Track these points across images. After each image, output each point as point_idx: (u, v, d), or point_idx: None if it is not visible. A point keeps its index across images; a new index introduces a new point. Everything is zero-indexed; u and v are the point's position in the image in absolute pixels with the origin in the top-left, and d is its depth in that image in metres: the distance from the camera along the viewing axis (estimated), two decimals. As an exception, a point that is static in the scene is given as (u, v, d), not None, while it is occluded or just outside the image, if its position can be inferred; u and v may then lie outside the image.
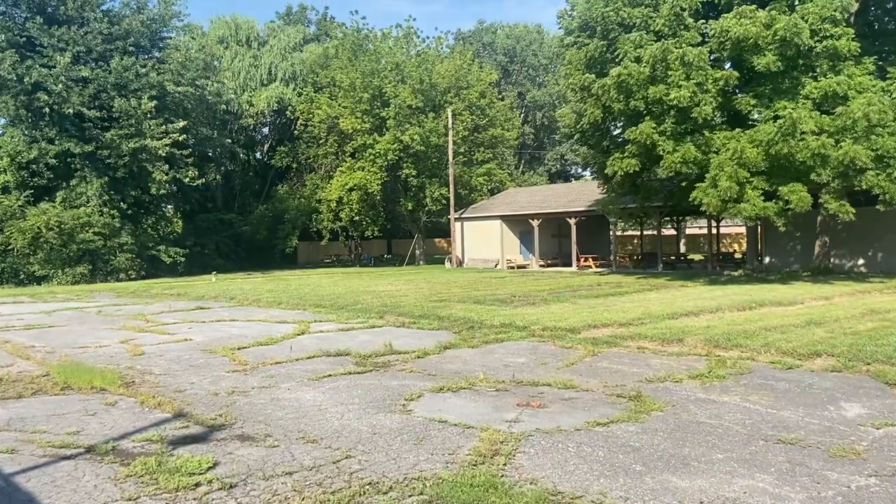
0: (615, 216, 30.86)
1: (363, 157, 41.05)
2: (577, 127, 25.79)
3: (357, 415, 6.98)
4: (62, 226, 29.86)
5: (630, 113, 22.40)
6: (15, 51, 29.79)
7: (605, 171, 23.86)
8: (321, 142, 43.65)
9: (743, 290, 19.37)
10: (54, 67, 30.03)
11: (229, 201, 46.64)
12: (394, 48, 43.85)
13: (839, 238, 26.34)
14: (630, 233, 49.51)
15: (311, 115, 42.76)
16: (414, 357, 10.20)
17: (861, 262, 26.97)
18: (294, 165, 48.02)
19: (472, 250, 40.30)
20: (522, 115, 57.19)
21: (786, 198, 19.72)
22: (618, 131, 26.12)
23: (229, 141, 42.41)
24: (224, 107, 41.94)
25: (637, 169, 22.39)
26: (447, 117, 40.33)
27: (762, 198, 19.95)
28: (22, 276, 30.65)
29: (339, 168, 42.82)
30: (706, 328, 11.97)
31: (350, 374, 9.06)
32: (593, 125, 24.80)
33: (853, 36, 19.76)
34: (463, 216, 40.98)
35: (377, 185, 40.25)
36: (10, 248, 29.90)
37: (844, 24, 19.88)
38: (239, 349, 11.26)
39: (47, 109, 30.34)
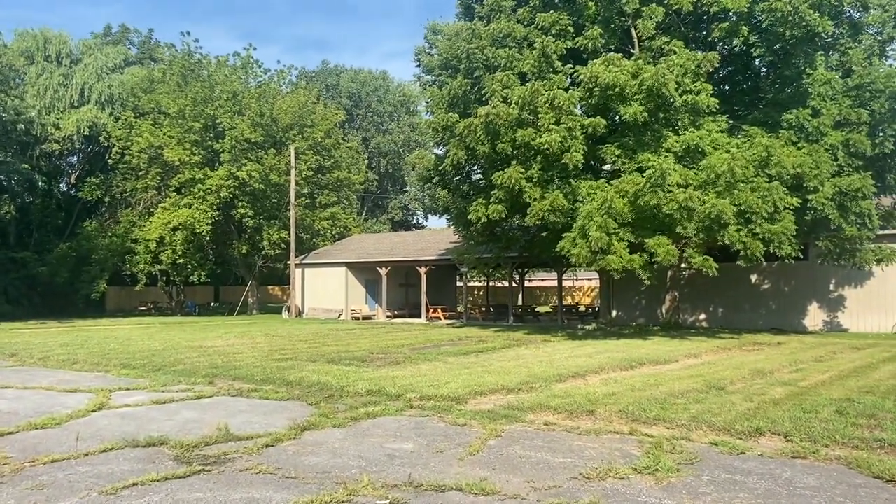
0: (469, 266, 29.46)
1: (191, 193, 36.78)
2: (438, 169, 24.17)
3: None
4: None
5: (496, 157, 21.12)
6: None
7: (468, 217, 22.30)
8: (141, 174, 38.68)
9: (610, 347, 18.34)
10: None
11: (24, 238, 39.68)
12: (231, 76, 40.35)
13: (682, 293, 26.72)
14: (475, 283, 48.80)
15: (129, 143, 37.82)
16: (261, 446, 7.38)
17: (703, 316, 27.55)
18: (107, 199, 42.18)
19: (314, 299, 37.15)
20: (367, 161, 55.39)
21: (651, 250, 19.16)
22: (478, 176, 24.87)
23: (27, 168, 36.11)
24: (23, 127, 35.85)
25: (503, 216, 21.02)
26: (289, 155, 37.38)
27: (627, 250, 19.28)
28: None
29: (162, 204, 38.07)
30: (610, 395, 10.25)
31: (166, 479, 6.11)
32: (455, 167, 23.30)
33: (711, 92, 19.96)
34: (304, 262, 37.81)
35: (206, 224, 36.09)
36: None
37: (703, 80, 20.06)
38: (1, 435, 7.78)
39: None
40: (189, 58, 41.89)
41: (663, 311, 25.96)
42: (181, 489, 5.84)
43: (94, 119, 39.07)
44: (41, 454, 6.98)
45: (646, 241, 19.21)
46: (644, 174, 18.87)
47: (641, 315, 28.52)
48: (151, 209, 39.35)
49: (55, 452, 7.05)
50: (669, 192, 18.44)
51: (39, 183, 39.13)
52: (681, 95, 19.80)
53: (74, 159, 45.15)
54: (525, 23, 22.78)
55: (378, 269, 34.26)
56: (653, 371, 13.46)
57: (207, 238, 37.67)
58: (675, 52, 20.49)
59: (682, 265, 23.54)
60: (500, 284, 45.88)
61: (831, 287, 24.91)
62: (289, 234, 37.60)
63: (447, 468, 6.58)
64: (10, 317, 32.30)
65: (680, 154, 19.87)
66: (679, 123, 20.38)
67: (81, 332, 24.58)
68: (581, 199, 19.89)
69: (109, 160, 39.85)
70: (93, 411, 9.41)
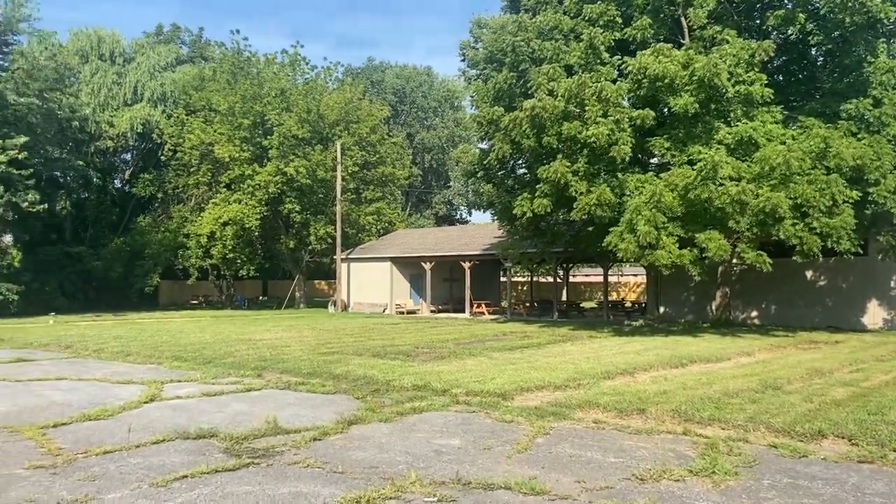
0: (514, 261, 29.22)
1: (240, 189, 37.39)
2: (482, 164, 24.01)
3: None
4: None
5: (541, 150, 20.85)
6: None
7: (513, 212, 22.09)
8: (192, 170, 39.50)
9: (658, 343, 17.94)
10: None
11: (79, 233, 40.93)
12: (279, 74, 40.84)
13: (734, 289, 25.99)
14: (518, 279, 48.47)
15: (181, 140, 38.63)
16: (309, 440, 7.40)
17: (755, 313, 26.76)
18: (159, 195, 43.25)
19: (359, 294, 37.42)
20: (411, 157, 55.53)
21: (702, 245, 18.67)
22: (523, 170, 24.62)
23: (82, 164, 37.20)
24: (78, 125, 36.92)
25: (548, 210, 20.75)
26: (336, 150, 37.67)
27: (677, 245, 18.83)
28: None
29: (213, 200, 38.80)
30: (661, 394, 10.00)
31: (216, 472, 6.16)
32: (500, 162, 23.10)
33: (765, 82, 19.32)
34: (350, 257, 38.10)
35: (255, 220, 36.64)
36: None
37: (757, 70, 19.42)
38: (55, 426, 7.99)
39: None
40: (238, 56, 42.56)
41: (713, 308, 25.31)
42: (230, 482, 5.88)
43: (147, 116, 40.01)
44: (94, 445, 7.12)
45: (696, 235, 18.72)
46: (695, 167, 18.38)
47: (690, 311, 27.87)
48: (202, 205, 40.13)
49: (107, 444, 7.18)
50: (721, 185, 17.93)
51: (94, 179, 40.27)
52: (733, 86, 19.21)
53: (128, 156, 46.35)
54: (572, 14, 22.41)
55: (422, 263, 34.30)
56: (704, 369, 13.11)
57: (256, 233, 38.27)
58: (727, 42, 19.88)
59: (734, 260, 22.91)
60: (544, 279, 45.47)
61: (892, 284, 23.90)
62: (335, 229, 37.92)
63: (495, 466, 6.48)
64: (66, 310, 33.38)
65: (732, 146, 19.28)
66: (731, 115, 19.77)
67: (135, 325, 25.23)
68: (628, 193, 19.48)
69: (162, 157, 40.79)
70: (145, 403, 9.60)
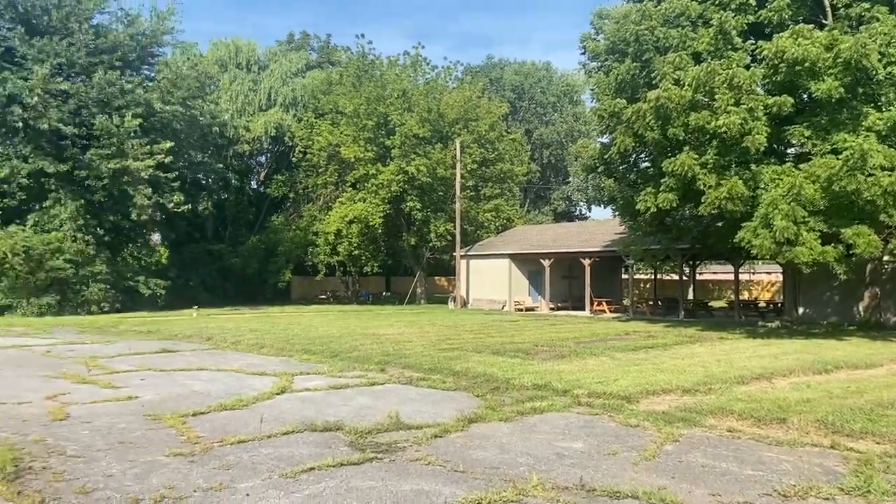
0: (636, 258, 28.23)
1: (365, 188, 38.65)
2: (603, 158, 23.35)
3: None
4: (30, 251, 27.10)
5: (666, 143, 19.98)
6: (-8, 61, 27.45)
7: (636, 207, 21.32)
8: (321, 170, 41.29)
9: (797, 347, 16.69)
10: (30, 80, 27.63)
11: (219, 232, 43.91)
12: (401, 75, 41.78)
13: (884, 289, 23.74)
14: (641, 276, 46.84)
15: (310, 143, 40.46)
16: (430, 437, 7.43)
17: (911, 316, 24.33)
18: (291, 195, 45.57)
19: (478, 290, 37.60)
20: (529, 153, 55.08)
21: (848, 241, 17.17)
22: (646, 164, 23.71)
23: (222, 167, 39.84)
24: (218, 130, 39.54)
25: (674, 205, 19.85)
26: (455, 148, 38.03)
27: (819, 241, 17.41)
28: (-17, 305, 27.81)
29: (339, 199, 40.37)
30: (804, 402, 9.24)
31: (341, 465, 6.30)
32: (622, 155, 22.36)
33: (921, 62, 17.50)
34: (469, 253, 38.37)
35: (379, 217, 37.73)
36: (-28, 273, 27.12)
37: (912, 49, 17.63)
38: (194, 415, 8.50)
39: (21, 124, 27.88)
40: (363, 59, 43.96)
41: (861, 309, 23.27)
42: (355, 476, 5.99)
43: (280, 121, 42.21)
44: (229, 434, 7.50)
45: (841, 230, 17.25)
46: (840, 156, 16.90)
47: (834, 313, 25.74)
48: (330, 204, 41.82)
49: (241, 433, 7.54)
50: (871, 175, 16.40)
51: (233, 181, 43.07)
52: (885, 67, 17.53)
53: (263, 158, 49.14)
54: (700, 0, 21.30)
55: (541, 260, 33.93)
56: (852, 376, 12.04)
57: (379, 230, 39.40)
58: (877, 20, 18.16)
59: (886, 258, 20.94)
60: (668, 277, 43.69)
61: None
62: (454, 226, 38.32)
63: (621, 472, 6.22)
64: (207, 304, 35.81)
65: (884, 133, 17.57)
66: (883, 99, 18.05)
67: (268, 319, 26.64)
68: (763, 186, 18.24)
69: (293, 158, 42.91)
70: (276, 394, 10.04)
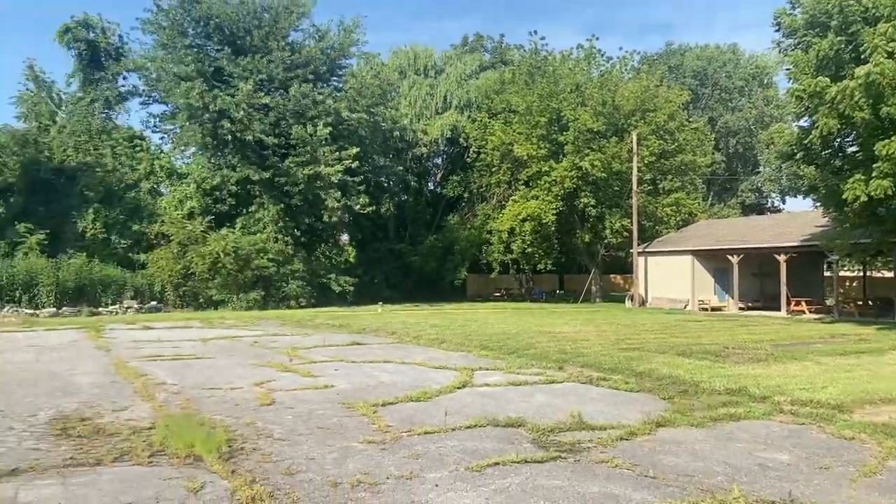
0: (842, 253, 25.47)
1: (537, 186, 38.51)
2: (802, 143, 21.30)
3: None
4: (238, 251, 30.17)
5: (878, 123, 17.80)
6: (203, 80, 30.84)
7: (842, 196, 19.21)
8: (494, 170, 41.79)
9: None
10: (237, 96, 30.73)
11: (400, 231, 46.07)
12: (574, 69, 41.10)
13: None
14: (846, 273, 42.20)
15: (483, 142, 41.09)
16: (615, 438, 7.18)
17: None
18: (465, 195, 46.61)
19: (657, 288, 36.01)
20: (713, 143, 51.75)
21: None
22: (854, 148, 21.30)
23: (402, 170, 41.76)
24: (398, 134, 41.48)
25: (889, 193, 17.62)
26: (631, 141, 36.72)
27: None
28: (201, 299, 31.35)
29: (512, 197, 40.60)
30: None
31: (525, 462, 6.27)
32: (824, 139, 20.25)
33: None
34: (647, 250, 36.88)
35: (552, 215, 37.42)
36: (191, 272, 30.66)
37: None
38: (383, 405, 8.90)
39: (230, 137, 31.11)
40: (535, 56, 43.88)
41: None
42: (539, 474, 5.93)
43: (455, 122, 43.34)
44: (416, 425, 7.76)
45: None
46: None
47: None
48: (503, 202, 42.22)
49: (427, 425, 7.77)
50: None
51: (412, 183, 45.03)
52: None
53: (439, 160, 50.75)
54: (919, -40, 18.72)
55: (728, 256, 31.73)
56: None
57: (552, 228, 39.08)
58: None
59: None
60: (879, 275, 38.97)
61: None
62: (631, 222, 37.02)
63: (835, 489, 5.60)
64: (390, 300, 37.63)
65: None
66: None
67: (447, 315, 27.43)
68: None
69: (467, 159, 43.90)
70: (458, 388, 10.25)
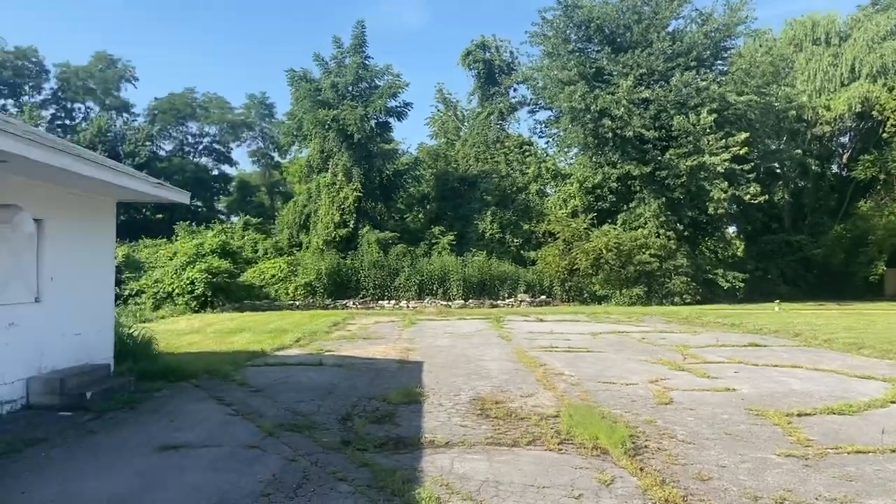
0: None
1: None
2: None
3: None
4: (620, 247, 30.49)
5: None
6: (585, 82, 31.82)
7: None
8: (922, 144, 34.66)
9: None
10: (617, 94, 31.00)
11: (797, 221, 41.19)
12: None
13: None
14: None
15: (905, 113, 34.36)
16: None
17: None
18: (881, 177, 39.53)
19: None
20: None
21: None
22: None
23: (799, 152, 37.28)
24: (794, 114, 37.18)
25: None
26: None
27: None
28: (585, 294, 32.47)
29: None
30: None
31: None
32: None
33: None
34: None
35: None
36: (575, 268, 31.95)
37: None
38: (799, 416, 8.02)
39: (610, 134, 31.52)
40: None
41: None
42: None
43: (865, 94, 37.11)
44: (843, 442, 6.80)
45: None
46: None
47: None
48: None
49: (858, 443, 6.76)
50: None
51: (811, 167, 39.95)
52: None
53: (845, 139, 44.06)
54: None
55: None
56: None
57: None
58: None
59: None
60: None
61: None
62: None
63: None
64: (787, 297, 33.92)
65: None
66: None
67: (861, 316, 23.66)
68: None
69: (883, 134, 37.22)
70: (891, 402, 8.73)
